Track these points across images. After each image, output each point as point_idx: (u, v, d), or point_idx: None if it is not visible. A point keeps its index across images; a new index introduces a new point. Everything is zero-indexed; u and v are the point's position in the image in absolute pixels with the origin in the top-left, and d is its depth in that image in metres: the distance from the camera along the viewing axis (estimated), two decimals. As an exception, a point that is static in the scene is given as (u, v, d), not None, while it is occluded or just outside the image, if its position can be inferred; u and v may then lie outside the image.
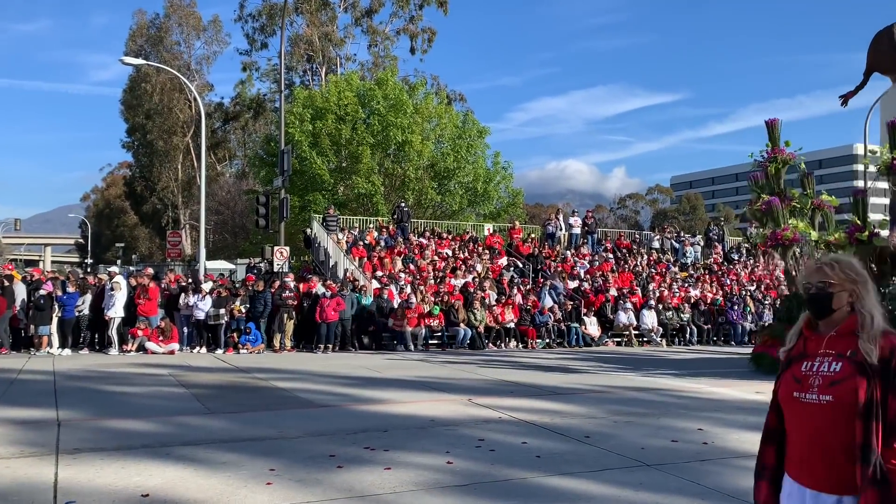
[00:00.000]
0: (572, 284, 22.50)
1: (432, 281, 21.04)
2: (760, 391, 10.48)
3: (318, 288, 18.19)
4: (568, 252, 25.47)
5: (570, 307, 20.68)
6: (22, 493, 5.17)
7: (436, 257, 23.21)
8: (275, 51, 47.90)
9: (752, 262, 28.47)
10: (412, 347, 17.87)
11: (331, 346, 17.13)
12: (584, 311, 20.62)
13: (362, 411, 8.87)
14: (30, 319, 15.54)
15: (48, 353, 15.14)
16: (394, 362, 14.94)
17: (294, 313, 17.31)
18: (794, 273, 14.46)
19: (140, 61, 34.35)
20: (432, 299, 19.26)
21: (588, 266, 24.45)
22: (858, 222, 14.05)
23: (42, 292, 15.58)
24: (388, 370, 13.29)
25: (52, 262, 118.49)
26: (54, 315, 15.54)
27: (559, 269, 23.70)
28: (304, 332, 17.67)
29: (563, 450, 6.85)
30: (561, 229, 27.10)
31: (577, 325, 20.08)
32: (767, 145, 15.30)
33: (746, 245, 30.44)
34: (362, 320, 17.95)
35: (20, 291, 15.73)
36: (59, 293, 15.75)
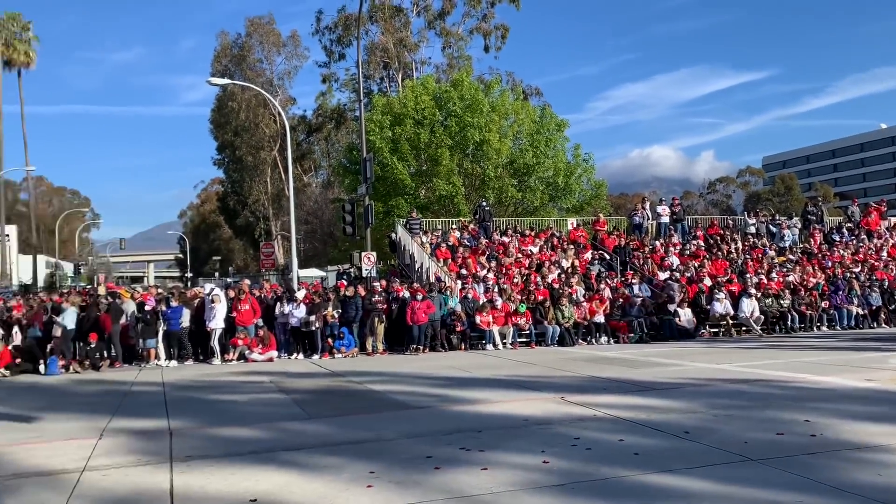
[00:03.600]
0: (663, 275, 21.95)
1: (517, 279, 20.98)
2: (872, 378, 9.94)
3: (404, 292, 18.47)
4: (657, 242, 24.86)
5: (662, 299, 20.17)
6: (141, 500, 5.49)
7: (519, 255, 23.12)
8: (352, 61, 49.02)
9: (854, 242, 26.99)
10: (500, 346, 17.88)
11: (421, 347, 17.35)
12: (677, 302, 20.06)
13: (456, 412, 8.94)
14: (138, 334, 16.44)
15: (156, 364, 15.98)
16: (483, 361, 14.99)
17: (384, 317, 17.63)
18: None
19: (226, 81, 35.78)
20: (518, 297, 19.20)
21: (679, 255, 23.79)
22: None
23: (147, 308, 16.48)
24: (477, 370, 13.35)
25: (155, 277, 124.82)
26: (160, 329, 16.39)
27: (648, 260, 23.16)
28: (394, 335, 17.97)
29: (662, 446, 6.70)
30: (648, 219, 26.48)
31: (670, 317, 19.57)
32: None
33: (849, 225, 28.88)
34: (450, 321, 18.09)
35: (130, 308, 16.69)
36: (164, 308, 16.60)
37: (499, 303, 18.47)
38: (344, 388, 11.69)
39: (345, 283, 20.29)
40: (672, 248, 24.17)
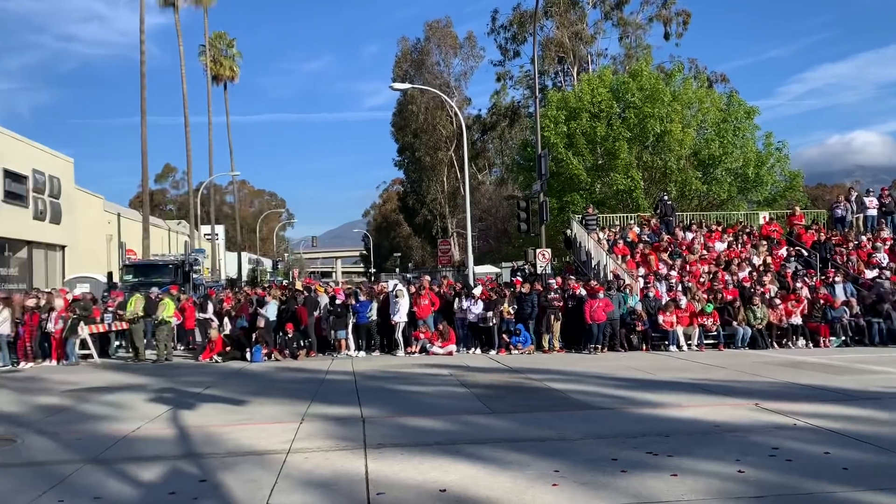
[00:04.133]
0: (870, 274, 19.89)
1: (703, 277, 19.95)
2: None
3: (581, 290, 18.22)
4: (863, 237, 22.57)
5: (869, 300, 18.30)
6: (340, 483, 5.87)
7: (705, 251, 21.97)
8: (527, 57, 49.06)
9: None
10: (684, 348, 17.11)
11: (599, 346, 17.03)
12: (889, 303, 18.08)
13: (640, 415, 8.68)
14: (330, 325, 17.57)
15: (346, 355, 16.99)
16: (667, 363, 14.42)
17: (560, 314, 17.51)
18: None
19: (406, 86, 37.27)
20: (704, 297, 18.26)
21: (889, 252, 21.44)
22: None
23: (338, 301, 17.57)
24: (660, 372, 12.87)
25: (343, 272, 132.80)
26: (349, 321, 17.40)
27: (853, 256, 21.10)
28: (570, 333, 17.78)
29: (874, 461, 6.10)
30: (852, 212, 24.10)
31: (879, 320, 17.70)
32: None
33: None
34: (630, 320, 17.59)
35: (323, 301, 17.91)
36: (353, 302, 17.60)
37: (683, 302, 17.67)
38: (523, 384, 11.75)
39: (520, 279, 20.38)
40: (881, 244, 21.83)
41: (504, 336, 17.34)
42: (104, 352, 17.70)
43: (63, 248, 33.60)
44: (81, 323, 16.72)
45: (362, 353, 17.15)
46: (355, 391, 11.17)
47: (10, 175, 28.54)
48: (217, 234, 57.04)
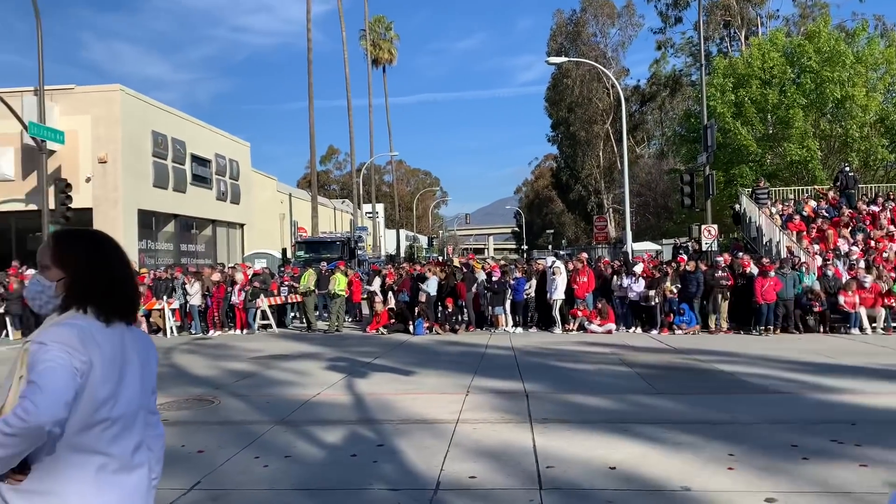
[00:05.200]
0: None
1: (889, 254, 18.23)
2: None
3: (751, 267, 17.24)
4: None
5: None
6: (509, 454, 6.03)
7: (892, 227, 20.03)
8: (689, 23, 46.71)
9: None
10: (868, 331, 15.77)
11: (771, 328, 16.09)
12: None
13: (821, 400, 8.17)
14: (487, 301, 17.87)
15: (504, 330, 17.23)
16: (848, 347, 13.38)
17: (728, 293, 16.70)
18: None
19: (562, 59, 36.67)
20: (892, 276, 16.69)
21: None
22: None
23: (495, 278, 17.81)
24: (843, 356, 11.97)
25: (494, 249, 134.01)
26: (507, 297, 17.60)
27: None
28: (739, 313, 16.93)
29: None
30: None
31: None
32: None
33: None
34: (805, 300, 16.45)
35: (481, 277, 18.21)
36: (510, 279, 17.78)
37: (867, 281, 16.28)
38: (688, 365, 11.39)
39: (684, 257, 19.62)
40: None
41: (668, 316, 16.83)
42: (281, 322, 19.10)
43: (242, 226, 36.46)
44: (261, 295, 18.16)
45: (519, 330, 17.31)
46: (516, 366, 11.34)
47: (197, 159, 31.28)
48: (377, 213, 59.42)
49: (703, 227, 22.24)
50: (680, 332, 16.35)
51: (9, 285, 18.13)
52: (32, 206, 23.52)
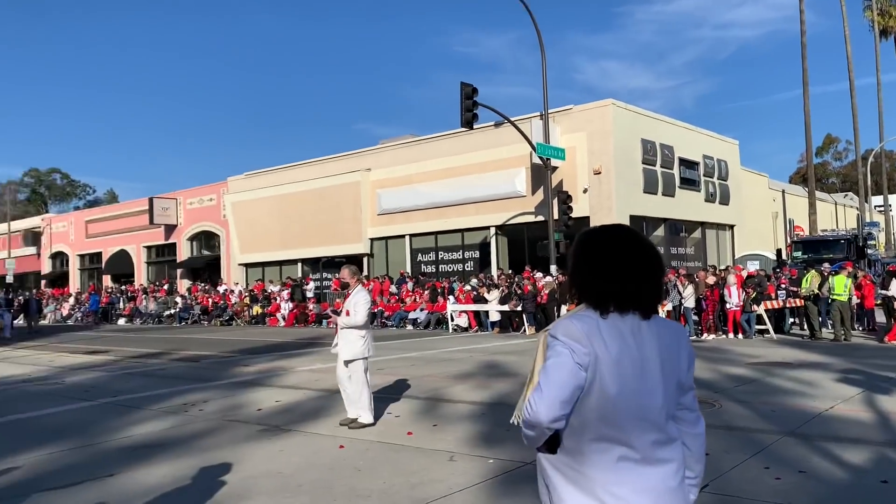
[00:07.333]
0: None
1: None
2: None
3: None
4: None
5: None
6: None
7: None
8: None
9: None
10: None
11: None
12: None
13: None
14: None
15: None
16: None
17: None
18: None
19: None
20: None
21: None
22: None
23: None
24: None
25: None
26: None
27: None
28: None
29: None
30: None
31: None
32: None
33: None
34: None
35: None
36: None
37: None
38: None
39: None
40: None
41: None
42: (779, 328, 17.87)
43: (731, 227, 35.31)
44: (758, 299, 17.27)
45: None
46: None
47: (684, 163, 31.40)
48: (891, 206, 51.35)
49: None
50: None
51: (524, 287, 20.91)
52: (540, 217, 26.62)
